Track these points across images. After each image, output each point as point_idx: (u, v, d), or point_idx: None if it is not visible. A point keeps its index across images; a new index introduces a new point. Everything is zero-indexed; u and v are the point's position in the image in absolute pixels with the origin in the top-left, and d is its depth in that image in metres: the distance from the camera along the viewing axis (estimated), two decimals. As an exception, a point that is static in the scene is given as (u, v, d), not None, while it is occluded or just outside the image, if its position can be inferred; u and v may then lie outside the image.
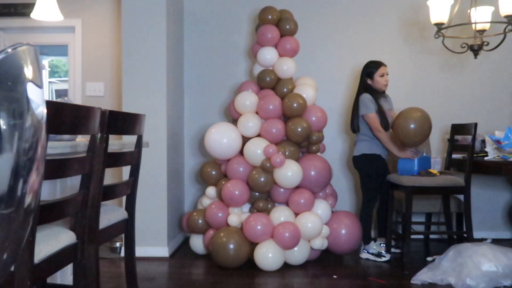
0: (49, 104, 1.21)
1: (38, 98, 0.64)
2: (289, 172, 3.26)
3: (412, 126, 3.18)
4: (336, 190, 3.81)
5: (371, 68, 3.54)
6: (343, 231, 3.39)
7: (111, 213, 2.07)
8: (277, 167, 3.27)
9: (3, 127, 0.57)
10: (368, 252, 3.46)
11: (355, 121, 3.52)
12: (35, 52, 0.64)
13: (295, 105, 3.37)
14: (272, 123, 3.41)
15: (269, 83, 3.62)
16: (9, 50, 0.59)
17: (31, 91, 0.62)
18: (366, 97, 3.45)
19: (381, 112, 3.46)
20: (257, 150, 3.32)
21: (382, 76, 3.51)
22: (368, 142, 3.48)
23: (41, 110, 0.66)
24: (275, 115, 3.46)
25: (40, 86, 0.65)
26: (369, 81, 3.53)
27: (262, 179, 3.29)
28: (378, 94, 3.52)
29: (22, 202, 0.63)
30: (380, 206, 3.61)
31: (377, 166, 3.47)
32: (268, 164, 3.27)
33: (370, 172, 3.47)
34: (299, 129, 3.35)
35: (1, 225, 0.60)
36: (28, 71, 0.62)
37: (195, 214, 3.55)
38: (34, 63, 0.64)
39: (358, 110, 3.47)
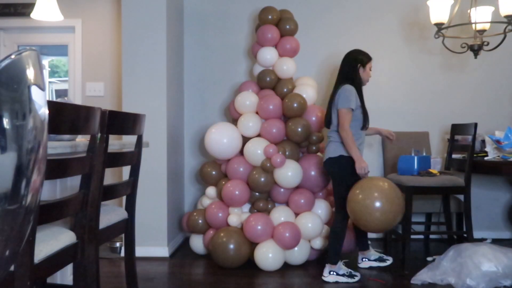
0: (49, 104, 1.21)
1: (41, 100, 0.67)
2: (289, 172, 3.26)
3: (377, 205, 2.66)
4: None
5: (364, 56, 3.09)
6: (343, 231, 3.39)
7: (111, 213, 2.07)
8: (277, 167, 3.27)
9: (8, 127, 0.59)
10: (338, 274, 2.97)
11: (332, 115, 3.03)
12: (37, 57, 0.67)
13: (295, 105, 3.38)
14: (272, 123, 3.41)
15: (269, 83, 3.62)
16: (13, 56, 0.63)
17: (35, 93, 0.65)
18: (350, 89, 2.94)
19: (363, 109, 3.02)
20: (257, 150, 3.32)
21: (370, 70, 3.12)
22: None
23: (44, 112, 0.68)
24: (275, 115, 3.46)
25: (42, 88, 0.67)
26: (361, 70, 3.05)
27: (262, 179, 3.29)
28: (360, 88, 3.06)
29: (24, 200, 0.65)
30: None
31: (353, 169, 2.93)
32: (268, 164, 3.27)
33: (347, 177, 2.96)
34: (299, 129, 3.35)
35: (6, 220, 0.62)
36: (32, 75, 0.66)
37: (195, 214, 3.55)
38: (37, 67, 0.67)
39: (336, 102, 2.97)
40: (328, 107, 3.06)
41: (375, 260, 3.27)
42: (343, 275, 2.97)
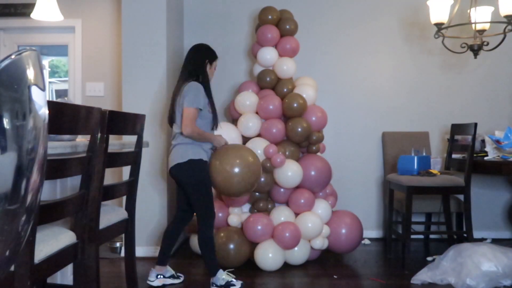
0: (49, 104, 1.21)
1: (41, 100, 0.67)
2: (289, 172, 3.27)
3: (236, 171, 2.75)
4: (336, 189, 3.81)
5: (213, 53, 2.88)
6: (343, 231, 3.39)
7: (111, 213, 2.07)
8: (278, 167, 3.28)
9: (8, 127, 0.60)
10: (216, 286, 2.75)
11: (176, 113, 2.76)
12: (37, 57, 0.68)
13: (295, 105, 3.38)
14: (272, 123, 3.41)
15: (269, 83, 3.62)
16: (13, 56, 0.63)
17: (35, 93, 0.66)
18: (198, 86, 2.71)
19: (212, 107, 2.82)
20: (257, 150, 3.32)
21: (215, 69, 2.95)
22: (193, 144, 2.74)
23: (44, 112, 0.68)
24: (275, 115, 3.46)
25: (43, 88, 0.68)
26: (208, 68, 2.84)
27: (262, 179, 3.29)
28: (208, 85, 2.84)
29: (24, 200, 0.65)
30: (178, 223, 2.93)
31: (207, 173, 2.77)
32: (268, 164, 3.27)
33: (204, 182, 2.75)
34: (299, 129, 3.35)
35: (6, 220, 0.62)
36: (32, 75, 0.66)
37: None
38: (37, 67, 0.67)
39: (182, 100, 2.70)
40: (172, 104, 2.80)
41: (169, 277, 2.94)
42: (221, 286, 2.73)
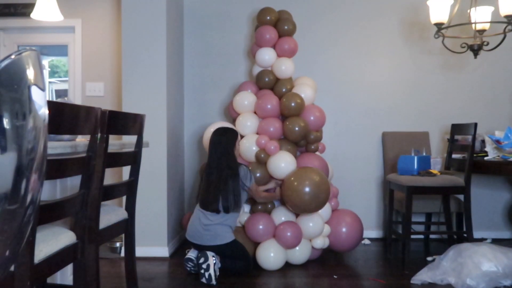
0: (49, 104, 1.21)
1: (41, 100, 0.67)
2: (282, 163, 3.25)
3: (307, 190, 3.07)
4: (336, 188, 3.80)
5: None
6: (344, 229, 3.39)
7: (111, 213, 2.07)
8: (272, 154, 3.27)
9: (8, 127, 0.60)
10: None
11: (234, 197, 3.02)
12: (37, 57, 0.68)
13: (292, 104, 3.38)
14: (270, 121, 3.41)
15: (267, 83, 3.62)
16: (13, 56, 0.63)
17: (35, 93, 0.66)
18: (245, 168, 3.15)
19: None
20: (252, 146, 3.34)
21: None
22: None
23: (44, 112, 0.68)
24: (273, 114, 3.46)
25: (42, 88, 0.68)
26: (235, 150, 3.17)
27: (258, 174, 3.29)
28: None
29: (24, 200, 0.65)
30: None
31: None
32: (262, 155, 3.28)
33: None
34: (297, 128, 3.35)
35: (6, 220, 0.62)
36: (32, 75, 0.66)
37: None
38: (37, 67, 0.67)
39: (239, 183, 3.06)
40: (226, 189, 3.02)
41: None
42: None
